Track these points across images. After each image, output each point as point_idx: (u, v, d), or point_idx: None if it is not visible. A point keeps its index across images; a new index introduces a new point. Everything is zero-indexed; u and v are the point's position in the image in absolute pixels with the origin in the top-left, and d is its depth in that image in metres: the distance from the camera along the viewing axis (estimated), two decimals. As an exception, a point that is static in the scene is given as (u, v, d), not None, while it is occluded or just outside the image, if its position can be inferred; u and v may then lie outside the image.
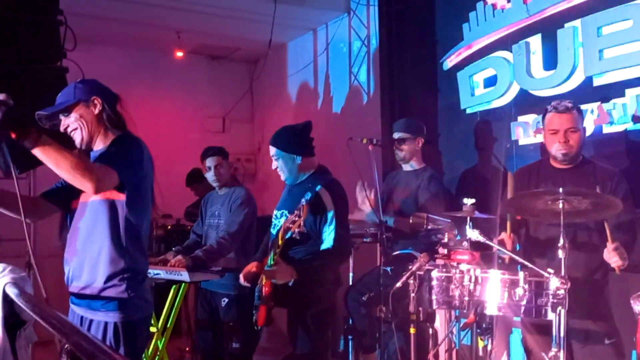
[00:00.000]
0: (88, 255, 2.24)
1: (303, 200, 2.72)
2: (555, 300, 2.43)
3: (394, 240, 3.79)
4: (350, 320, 3.92)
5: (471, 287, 2.61)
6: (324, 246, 2.79)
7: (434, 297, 2.70)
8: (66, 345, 1.42)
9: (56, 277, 2.44)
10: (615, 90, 3.49)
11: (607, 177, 2.80)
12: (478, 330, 2.71)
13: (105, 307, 2.20)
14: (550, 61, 3.85)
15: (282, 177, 2.99)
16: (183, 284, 3.94)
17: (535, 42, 3.96)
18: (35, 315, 1.75)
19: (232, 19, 5.92)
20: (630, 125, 3.42)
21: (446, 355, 3.26)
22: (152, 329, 3.87)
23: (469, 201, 2.92)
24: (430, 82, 4.89)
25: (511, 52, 4.10)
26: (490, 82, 4.30)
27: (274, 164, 2.98)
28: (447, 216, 3.30)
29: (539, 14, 3.90)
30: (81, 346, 1.34)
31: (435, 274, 2.71)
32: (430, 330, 3.14)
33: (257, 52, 7.00)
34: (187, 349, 4.90)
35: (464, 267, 2.68)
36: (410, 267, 2.88)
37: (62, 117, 2.30)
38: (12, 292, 2.03)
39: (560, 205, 2.47)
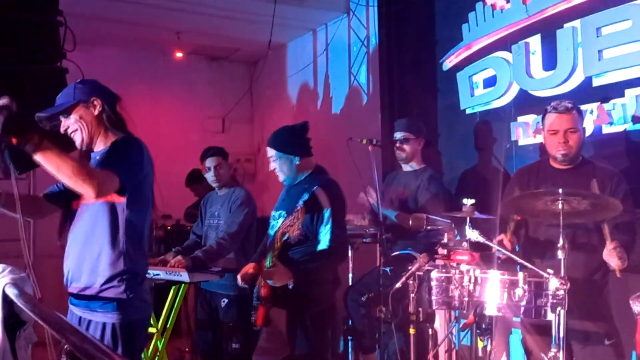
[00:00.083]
0: (88, 257, 2.24)
1: (300, 202, 2.72)
2: (554, 301, 2.43)
3: (394, 240, 3.79)
4: (350, 321, 3.93)
5: (471, 287, 2.61)
6: (320, 247, 2.79)
7: (433, 297, 2.70)
8: (66, 346, 1.42)
9: (56, 277, 2.44)
10: (614, 90, 3.49)
11: (607, 177, 2.80)
12: (478, 331, 2.70)
13: (104, 308, 2.20)
14: (550, 61, 3.85)
15: (280, 178, 2.99)
16: (183, 284, 3.94)
17: (535, 42, 3.96)
18: (34, 315, 1.75)
19: (231, 19, 5.92)
20: (629, 126, 3.42)
21: (446, 356, 3.26)
22: (152, 330, 3.87)
23: (468, 202, 2.92)
24: (430, 83, 4.89)
25: (511, 52, 4.10)
26: (490, 82, 4.30)
27: (272, 165, 2.98)
28: (447, 216, 3.30)
29: (538, 14, 3.90)
30: (80, 347, 1.34)
31: (434, 274, 2.71)
32: (430, 331, 3.14)
33: (257, 52, 7.00)
34: (187, 349, 4.90)
35: (463, 267, 2.68)
36: (409, 268, 2.88)
37: (62, 118, 2.30)
38: (11, 292, 2.03)
39: (560, 206, 2.47)
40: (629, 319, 2.51)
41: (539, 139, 3.71)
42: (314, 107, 6.52)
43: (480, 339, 2.71)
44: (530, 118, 3.97)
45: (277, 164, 2.95)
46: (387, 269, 3.44)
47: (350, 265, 4.31)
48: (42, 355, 2.01)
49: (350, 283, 4.23)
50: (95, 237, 2.23)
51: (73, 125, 2.28)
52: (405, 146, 3.92)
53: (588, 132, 3.41)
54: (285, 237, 2.72)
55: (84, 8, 5.00)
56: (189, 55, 7.05)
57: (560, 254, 2.45)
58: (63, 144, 2.25)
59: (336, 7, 5.89)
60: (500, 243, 2.78)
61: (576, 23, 3.68)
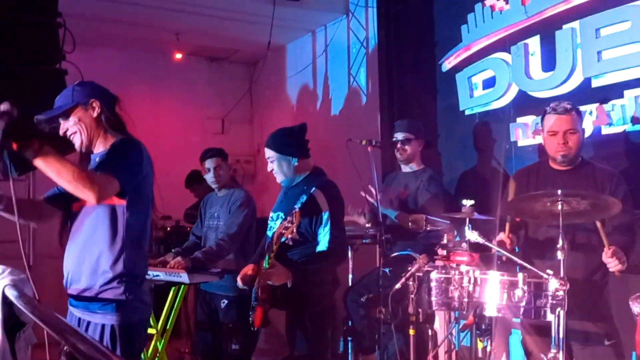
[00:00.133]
0: (87, 258, 2.24)
1: (297, 205, 2.72)
2: (554, 302, 2.43)
3: (393, 241, 3.79)
4: (350, 322, 3.93)
5: (470, 288, 2.61)
6: (319, 248, 2.79)
7: (433, 298, 2.70)
8: (65, 348, 1.42)
9: (55, 278, 2.44)
10: (613, 91, 3.50)
11: (607, 178, 2.80)
12: (477, 332, 2.71)
13: (103, 309, 2.20)
14: (549, 62, 3.86)
15: (278, 180, 2.99)
16: (182, 285, 3.94)
17: (534, 43, 3.96)
18: (34, 317, 1.75)
19: (231, 20, 5.92)
20: (629, 127, 3.42)
21: (445, 357, 3.26)
22: (152, 330, 3.87)
23: (468, 202, 2.92)
24: (429, 84, 4.89)
25: (510, 53, 4.10)
26: (489, 83, 4.30)
27: (270, 166, 2.98)
28: (446, 217, 3.30)
29: (537, 15, 3.91)
30: (80, 348, 1.34)
31: (434, 275, 2.71)
32: (430, 332, 3.14)
33: (256, 53, 7.00)
34: (187, 350, 4.90)
35: (463, 268, 2.68)
36: (409, 269, 2.88)
37: (61, 120, 2.29)
38: (11, 294, 2.03)
39: (559, 207, 2.47)
40: (628, 319, 2.52)
41: (538, 139, 3.72)
42: (313, 108, 6.53)
43: (480, 340, 2.72)
44: (530, 119, 3.98)
45: (275, 165, 2.95)
46: (387, 270, 3.44)
47: (350, 266, 4.31)
48: (42, 357, 2.01)
49: (350, 284, 4.23)
50: (95, 239, 2.22)
51: (72, 128, 2.27)
52: (406, 147, 3.93)
53: (587, 133, 3.41)
54: (282, 239, 2.72)
55: (84, 9, 5.00)
56: (189, 56, 7.05)
57: (559, 255, 2.45)
58: (62, 146, 2.26)
59: (335, 9, 5.90)
60: (500, 244, 2.78)
61: (575, 24, 3.68)
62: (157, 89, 6.93)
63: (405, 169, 4.03)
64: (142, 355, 3.42)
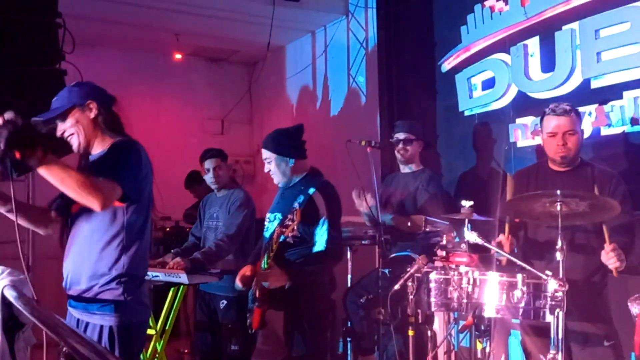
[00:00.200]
0: (87, 259, 2.24)
1: (296, 204, 2.71)
2: (553, 303, 2.43)
3: (392, 242, 3.79)
4: (349, 323, 3.93)
5: (469, 289, 2.61)
6: (316, 249, 2.79)
7: (432, 299, 2.70)
8: (64, 349, 1.42)
9: (55, 278, 2.44)
10: (613, 92, 3.50)
11: (606, 179, 2.80)
12: (477, 333, 2.71)
13: (102, 310, 2.20)
14: (548, 63, 3.86)
15: (275, 180, 2.98)
16: (182, 286, 3.94)
17: (533, 44, 3.96)
18: (33, 318, 1.75)
19: (230, 21, 5.92)
20: (628, 128, 3.43)
21: (445, 358, 3.26)
22: (151, 331, 3.87)
23: (467, 203, 2.92)
24: (429, 84, 4.89)
25: (509, 54, 4.11)
26: (489, 84, 4.30)
27: (267, 167, 2.97)
28: (446, 218, 3.30)
29: (536, 16, 3.91)
30: (78, 349, 1.34)
31: (433, 276, 2.71)
32: (429, 333, 3.14)
33: (256, 54, 7.01)
34: (186, 350, 4.91)
35: (462, 269, 2.68)
36: (408, 270, 2.88)
37: (58, 122, 2.29)
38: (10, 294, 2.03)
39: (558, 208, 2.47)
40: (628, 320, 2.52)
41: (538, 140, 3.72)
42: (313, 108, 6.53)
43: (479, 341, 2.72)
44: (529, 120, 3.98)
45: (272, 166, 2.94)
46: (386, 271, 3.44)
47: (349, 267, 4.31)
48: (41, 357, 2.01)
49: (349, 285, 4.23)
50: (94, 240, 2.22)
51: (69, 129, 2.27)
52: (408, 147, 3.93)
53: (586, 134, 3.41)
54: (281, 239, 2.71)
55: (83, 10, 5.00)
56: (188, 57, 7.05)
57: (558, 256, 2.45)
58: (60, 147, 2.25)
59: (335, 9, 5.90)
60: (499, 246, 2.78)
61: (574, 25, 3.68)
62: (157, 90, 6.93)
63: (405, 169, 4.04)
64: (142, 356, 3.42)
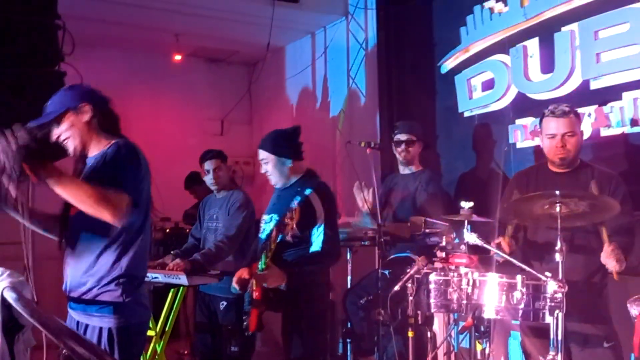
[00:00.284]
0: (86, 261, 2.23)
1: (294, 203, 2.70)
2: (552, 304, 2.43)
3: (392, 243, 3.79)
4: (349, 324, 3.93)
5: (469, 290, 2.61)
6: (313, 249, 2.79)
7: (432, 300, 2.71)
8: (64, 351, 1.42)
9: (56, 280, 2.44)
10: (612, 93, 3.50)
11: (606, 180, 2.80)
12: (476, 334, 2.71)
13: (101, 312, 2.19)
14: (548, 64, 3.86)
15: (272, 181, 2.98)
16: (181, 287, 3.94)
17: (533, 45, 3.97)
18: (32, 319, 1.75)
19: (230, 22, 5.92)
20: (627, 129, 3.43)
21: (444, 358, 3.26)
22: (151, 332, 3.87)
23: (466, 204, 2.93)
24: (428, 85, 4.89)
25: (509, 55, 4.11)
26: (488, 85, 4.31)
27: (263, 168, 2.97)
28: (445, 219, 3.30)
29: (536, 17, 3.91)
30: (78, 351, 1.34)
31: (433, 277, 2.71)
32: (429, 334, 3.14)
33: (256, 55, 7.01)
34: (186, 352, 4.91)
35: (462, 270, 2.68)
36: (408, 271, 2.88)
37: (53, 126, 2.28)
38: (10, 296, 2.03)
39: (558, 209, 2.47)
40: (627, 321, 2.52)
41: (537, 141, 3.72)
42: (312, 109, 6.53)
43: (479, 342, 2.72)
44: (528, 121, 3.98)
45: (269, 167, 2.94)
46: (386, 272, 3.44)
47: (349, 268, 4.32)
48: (41, 359, 2.01)
49: (349, 286, 4.23)
50: (94, 241, 2.22)
51: (64, 133, 2.25)
52: (410, 148, 3.93)
53: (586, 135, 3.42)
54: (279, 238, 2.70)
55: (83, 11, 5.00)
56: (188, 57, 7.04)
57: (558, 257, 2.45)
58: (56, 151, 2.25)
59: (335, 10, 5.90)
60: (499, 246, 2.78)
61: (574, 26, 3.69)
62: (157, 90, 6.93)
63: (405, 170, 4.04)
64: (141, 357, 3.42)
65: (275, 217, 2.91)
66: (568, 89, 3.73)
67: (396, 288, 2.89)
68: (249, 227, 3.88)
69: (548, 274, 2.46)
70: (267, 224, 2.95)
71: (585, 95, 3.62)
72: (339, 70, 6.08)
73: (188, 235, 4.26)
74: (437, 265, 2.78)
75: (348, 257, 4.34)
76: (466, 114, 4.50)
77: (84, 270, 2.23)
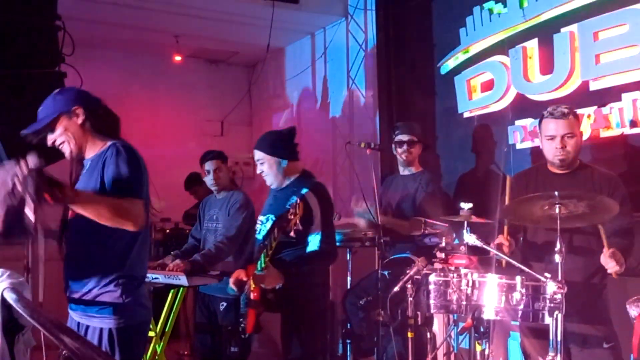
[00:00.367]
0: (86, 262, 2.24)
1: (296, 198, 2.69)
2: (552, 305, 2.43)
3: (392, 244, 3.80)
4: (349, 324, 3.93)
5: (469, 291, 2.62)
6: (310, 248, 2.79)
7: (431, 301, 2.71)
8: (64, 352, 1.42)
9: (57, 280, 2.44)
10: (611, 94, 3.50)
11: (605, 181, 2.80)
12: (476, 335, 2.71)
13: (101, 313, 2.19)
14: (547, 65, 3.87)
15: (268, 182, 2.98)
16: (181, 288, 3.94)
17: (532, 46, 3.97)
18: (32, 320, 1.75)
19: (230, 23, 5.93)
20: (627, 130, 3.43)
21: (444, 359, 3.26)
22: (151, 333, 3.87)
23: (466, 205, 2.93)
24: (428, 86, 4.90)
25: (508, 56, 4.11)
26: (487, 86, 4.31)
27: (259, 169, 2.97)
28: (445, 220, 3.31)
29: (535, 18, 3.92)
30: (78, 352, 1.34)
31: (433, 278, 2.71)
32: (428, 334, 3.15)
33: (255, 56, 7.02)
34: (186, 352, 4.92)
35: (461, 271, 2.68)
36: (408, 271, 2.89)
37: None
38: (10, 297, 2.03)
39: (557, 210, 2.47)
40: (627, 322, 2.52)
41: (537, 142, 3.73)
42: (312, 110, 6.53)
43: (479, 343, 2.72)
44: (528, 122, 3.99)
45: (265, 167, 2.94)
46: (386, 273, 3.45)
47: (349, 268, 4.32)
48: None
49: (348, 286, 4.23)
50: (93, 242, 2.22)
51: (59, 138, 2.26)
52: (412, 149, 3.94)
53: (585, 136, 3.42)
54: (280, 237, 2.69)
55: (83, 12, 5.01)
56: (188, 59, 7.05)
57: (557, 258, 2.45)
58: (52, 154, 2.25)
59: (334, 11, 5.91)
60: (498, 247, 2.78)
61: (573, 27, 3.69)
62: (157, 91, 6.95)
63: (404, 171, 4.04)
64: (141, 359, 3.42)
65: (271, 217, 2.90)
66: (567, 90, 3.73)
67: (396, 289, 2.90)
68: (249, 228, 3.88)
69: (547, 274, 2.46)
70: (264, 225, 2.95)
71: (584, 97, 3.62)
72: (339, 71, 6.09)
73: (188, 235, 4.26)
74: (437, 266, 2.79)
75: (348, 257, 4.34)
76: (466, 115, 4.50)
77: (84, 272, 2.24)
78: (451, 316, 3.21)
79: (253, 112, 7.57)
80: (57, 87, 3.38)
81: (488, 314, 2.59)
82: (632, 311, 2.36)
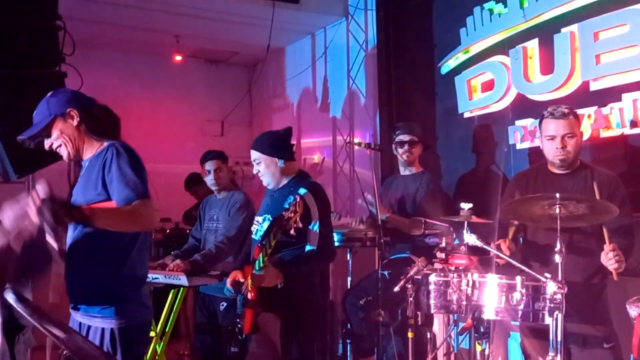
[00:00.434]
0: (87, 263, 2.24)
1: (296, 196, 2.68)
2: (552, 305, 2.43)
3: (392, 244, 3.80)
4: (349, 324, 3.94)
5: (469, 291, 2.62)
6: (308, 248, 2.79)
7: (431, 301, 2.71)
8: (65, 352, 1.43)
9: (58, 281, 2.44)
10: (612, 94, 3.50)
11: (605, 181, 2.80)
12: (476, 335, 2.71)
13: (102, 313, 2.19)
14: (547, 66, 3.87)
15: (264, 182, 2.98)
16: (182, 288, 3.94)
17: (532, 46, 3.97)
18: (33, 320, 1.75)
19: (230, 23, 5.94)
20: (627, 130, 3.43)
21: (444, 359, 3.27)
22: (151, 333, 3.87)
23: (466, 206, 2.93)
24: (428, 86, 4.90)
25: (508, 56, 4.12)
26: (488, 86, 4.31)
27: (255, 169, 2.97)
28: (445, 220, 3.31)
29: (535, 18, 3.92)
30: (79, 352, 1.34)
31: (433, 278, 2.71)
32: (429, 334, 3.15)
33: (256, 56, 7.02)
34: (186, 352, 4.92)
35: (461, 271, 2.68)
36: (408, 271, 2.89)
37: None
38: (10, 297, 2.03)
39: (557, 210, 2.48)
40: (627, 322, 2.52)
41: (537, 142, 3.73)
42: (312, 110, 6.54)
43: (479, 343, 2.72)
44: (528, 122, 3.99)
45: (261, 167, 2.94)
46: (386, 273, 3.45)
47: (349, 268, 4.32)
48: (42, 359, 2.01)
49: (349, 286, 4.23)
50: (94, 243, 2.22)
51: (56, 141, 2.25)
52: (413, 149, 3.94)
53: (585, 137, 3.42)
54: (279, 236, 2.69)
55: (83, 12, 5.01)
56: (188, 59, 7.06)
57: (557, 258, 2.46)
58: (50, 156, 2.24)
59: (335, 11, 5.91)
60: (499, 248, 2.78)
61: (573, 27, 3.69)
62: (157, 91, 6.95)
63: (405, 172, 4.04)
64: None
65: (268, 217, 2.90)
66: (567, 90, 3.73)
67: (396, 289, 2.89)
68: (249, 228, 3.87)
69: (547, 275, 2.46)
70: (261, 225, 2.95)
71: (584, 97, 3.62)
72: (339, 71, 6.09)
73: (188, 235, 4.27)
74: (437, 266, 2.79)
75: (348, 257, 4.34)
76: (466, 115, 4.50)
77: (85, 272, 2.24)
78: (451, 316, 3.21)
79: (253, 112, 7.58)
80: (58, 87, 3.38)
81: (488, 314, 2.59)
82: (632, 311, 2.36)
